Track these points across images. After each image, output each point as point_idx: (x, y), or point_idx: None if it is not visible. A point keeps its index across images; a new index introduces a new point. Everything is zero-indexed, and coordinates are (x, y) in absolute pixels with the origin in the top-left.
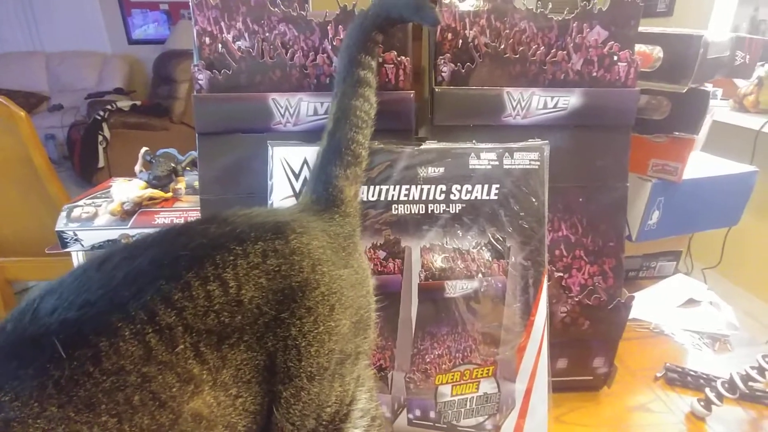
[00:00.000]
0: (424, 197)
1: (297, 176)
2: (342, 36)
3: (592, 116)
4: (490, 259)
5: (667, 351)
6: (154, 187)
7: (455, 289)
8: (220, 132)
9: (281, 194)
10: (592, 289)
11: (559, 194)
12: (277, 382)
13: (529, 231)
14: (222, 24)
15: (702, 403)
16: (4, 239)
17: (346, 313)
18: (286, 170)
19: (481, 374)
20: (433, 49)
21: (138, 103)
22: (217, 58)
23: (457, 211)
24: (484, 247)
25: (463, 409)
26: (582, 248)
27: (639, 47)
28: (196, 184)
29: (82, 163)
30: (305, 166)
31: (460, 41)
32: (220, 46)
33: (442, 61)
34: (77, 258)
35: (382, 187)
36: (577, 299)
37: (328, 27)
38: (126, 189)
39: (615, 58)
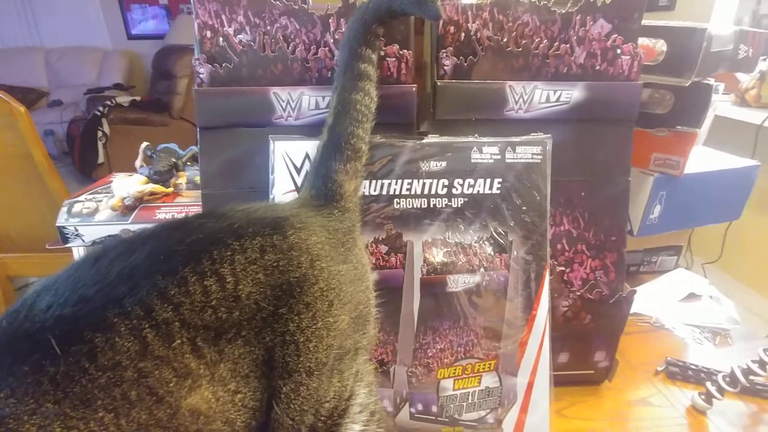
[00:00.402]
0: (426, 191)
1: (299, 170)
2: (344, 29)
3: (594, 110)
4: (492, 253)
5: (668, 345)
6: (155, 182)
7: (457, 283)
8: (221, 126)
9: (283, 189)
10: (594, 284)
11: (562, 188)
12: (276, 377)
13: (531, 225)
14: (223, 17)
15: (703, 397)
16: (5, 235)
17: (344, 309)
18: (288, 164)
19: (483, 368)
20: (435, 43)
21: (137, 98)
22: (218, 52)
23: (459, 206)
24: (486, 242)
25: (465, 403)
26: (584, 242)
27: (642, 40)
28: (197, 179)
29: (82, 158)
30: (307, 160)
31: (463, 34)
32: (221, 39)
33: (445, 54)
34: (78, 253)
35: (384, 181)
36: (578, 293)
37: (330, 20)
38: (127, 184)
39: (618, 51)
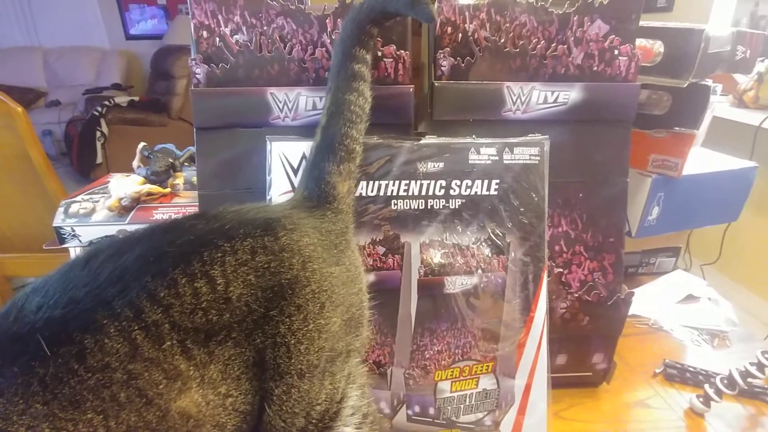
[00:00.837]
0: (423, 192)
1: (295, 171)
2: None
3: (592, 111)
4: (490, 254)
5: (666, 347)
6: (152, 182)
7: (455, 285)
8: (218, 127)
9: (280, 189)
10: (592, 285)
11: (559, 189)
12: (267, 379)
13: (528, 226)
14: (219, 17)
15: (701, 399)
16: (2, 235)
17: (337, 311)
18: (285, 165)
19: (481, 370)
20: (432, 43)
21: (136, 98)
22: (215, 52)
23: (457, 207)
24: (483, 243)
25: (462, 405)
26: (582, 244)
27: (640, 41)
28: (195, 179)
29: (80, 159)
30: (304, 160)
31: (460, 35)
32: (217, 39)
33: (442, 55)
34: (75, 254)
35: (381, 182)
36: (576, 295)
37: (327, 20)
38: (124, 184)
39: (616, 52)
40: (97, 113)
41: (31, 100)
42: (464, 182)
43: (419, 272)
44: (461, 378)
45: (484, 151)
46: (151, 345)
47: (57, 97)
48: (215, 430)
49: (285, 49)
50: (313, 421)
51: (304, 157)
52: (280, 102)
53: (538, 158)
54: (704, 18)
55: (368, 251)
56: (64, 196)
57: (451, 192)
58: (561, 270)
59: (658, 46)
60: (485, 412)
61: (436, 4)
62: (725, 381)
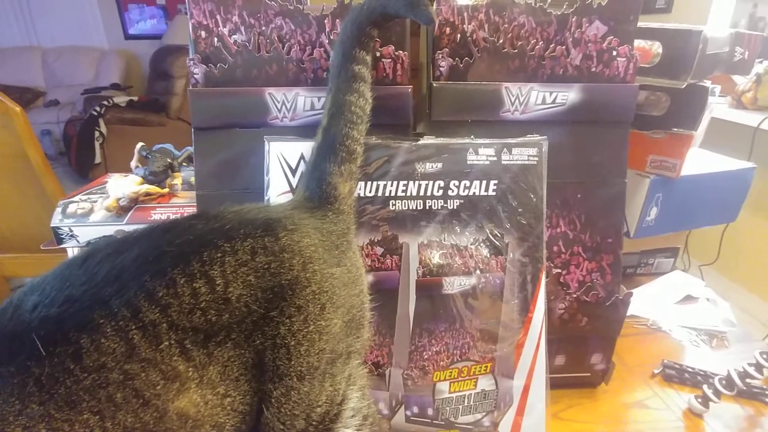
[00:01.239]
0: (421, 193)
1: (294, 172)
2: (339, 30)
3: (590, 112)
4: (488, 255)
5: (665, 347)
6: (150, 182)
7: (453, 285)
8: (216, 127)
9: (278, 190)
10: (590, 286)
11: (558, 190)
12: (266, 380)
13: (527, 227)
14: (218, 17)
15: (699, 400)
16: (0, 235)
17: (337, 313)
18: (283, 166)
19: (479, 371)
20: (431, 44)
21: (135, 98)
22: (213, 52)
23: (455, 207)
24: (482, 244)
25: (460, 406)
26: (580, 244)
27: (638, 42)
28: (193, 179)
29: (79, 158)
30: (302, 161)
31: (459, 36)
32: (215, 39)
33: (440, 55)
34: (72, 254)
35: (379, 182)
36: (575, 296)
37: (325, 21)
38: (122, 185)
39: (614, 53)
40: (95, 113)
41: (29, 100)
42: (462, 183)
43: (417, 273)
44: (460, 379)
45: (482, 152)
46: (148, 345)
47: (56, 96)
48: (213, 430)
49: (283, 49)
50: (314, 423)
51: (302, 157)
52: (279, 102)
53: (536, 159)
54: (703, 19)
55: (366, 252)
56: (62, 196)
57: (450, 192)
58: (559, 270)
59: (657, 47)
60: (484, 413)
61: (435, 5)
62: (723, 381)
